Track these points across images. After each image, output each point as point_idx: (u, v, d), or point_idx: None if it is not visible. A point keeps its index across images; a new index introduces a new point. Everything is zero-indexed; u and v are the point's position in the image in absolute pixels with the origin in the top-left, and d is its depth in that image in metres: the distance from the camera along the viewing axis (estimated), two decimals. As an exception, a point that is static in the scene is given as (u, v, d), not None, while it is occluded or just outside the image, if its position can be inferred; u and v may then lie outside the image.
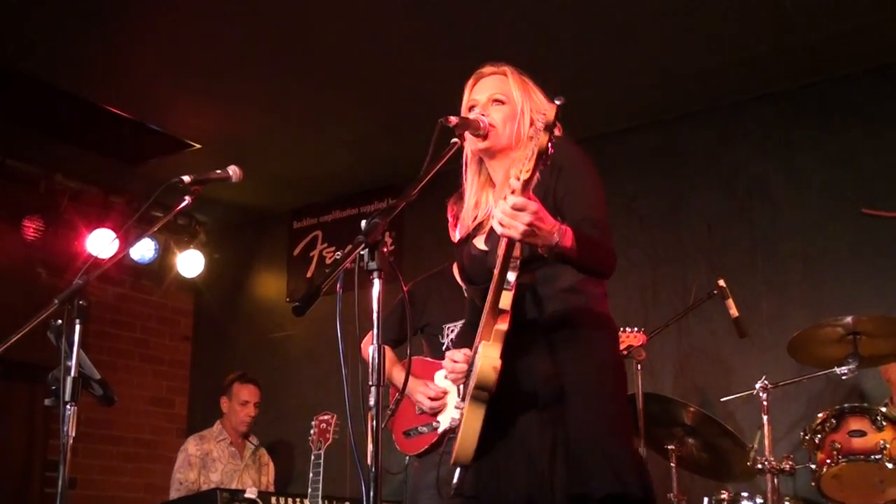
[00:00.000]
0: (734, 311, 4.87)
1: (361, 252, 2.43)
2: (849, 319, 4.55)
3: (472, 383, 2.73)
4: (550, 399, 2.79)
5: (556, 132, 2.46)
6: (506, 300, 2.71)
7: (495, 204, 2.97)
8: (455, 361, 3.04)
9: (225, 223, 8.50)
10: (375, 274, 2.45)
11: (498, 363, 2.65)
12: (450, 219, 4.64)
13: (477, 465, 2.83)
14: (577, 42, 5.57)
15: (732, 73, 5.91)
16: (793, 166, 5.98)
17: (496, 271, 2.68)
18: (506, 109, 3.03)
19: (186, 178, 3.45)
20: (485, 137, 2.98)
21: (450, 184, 4.53)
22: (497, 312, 2.71)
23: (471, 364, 2.94)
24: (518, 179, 2.47)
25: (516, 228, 2.47)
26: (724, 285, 4.90)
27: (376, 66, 5.87)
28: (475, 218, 3.12)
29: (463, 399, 2.94)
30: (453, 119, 2.89)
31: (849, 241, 5.67)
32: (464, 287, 4.56)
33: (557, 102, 2.45)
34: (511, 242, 2.58)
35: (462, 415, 2.82)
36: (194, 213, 8.07)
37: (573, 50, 5.63)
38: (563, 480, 2.71)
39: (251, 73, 5.97)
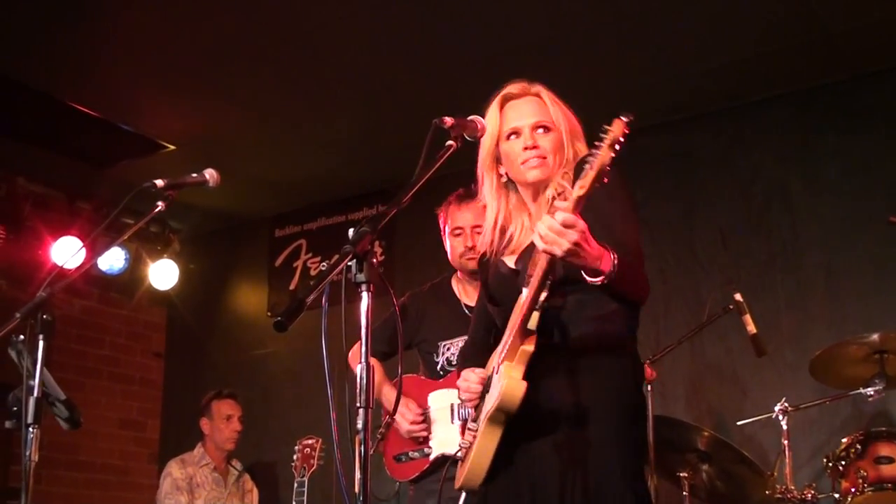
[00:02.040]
0: (751, 328, 4.87)
1: (349, 263, 2.43)
2: (875, 337, 4.56)
3: (492, 404, 2.76)
4: (567, 430, 2.83)
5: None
6: (534, 321, 2.75)
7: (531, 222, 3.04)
8: (468, 381, 3.07)
9: (201, 231, 8.49)
10: (364, 287, 2.44)
11: (524, 386, 2.70)
12: (441, 227, 4.65)
13: (484, 491, 2.85)
14: (581, 37, 5.58)
15: (749, 70, 5.92)
16: (814, 171, 5.99)
17: (530, 291, 2.72)
18: (553, 137, 3.05)
19: (159, 183, 3.45)
20: (534, 166, 3.02)
21: (445, 189, 4.56)
22: (525, 333, 2.75)
23: (487, 384, 2.97)
24: (558, 196, 2.51)
25: (560, 245, 2.52)
26: (741, 300, 4.90)
27: (365, 62, 5.88)
28: (509, 239, 3.15)
29: (475, 420, 2.96)
30: (448, 120, 2.90)
31: (875, 253, 5.68)
32: (462, 304, 4.60)
33: (625, 119, 2.50)
34: (552, 260, 2.62)
35: (475, 437, 2.84)
36: (168, 219, 8.06)
37: (576, 45, 5.64)
38: None
39: (230, 69, 5.97)
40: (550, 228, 2.52)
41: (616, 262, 2.62)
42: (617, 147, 2.47)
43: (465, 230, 4.52)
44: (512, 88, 3.16)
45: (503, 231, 3.15)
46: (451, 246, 4.59)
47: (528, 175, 3.03)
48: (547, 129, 3.06)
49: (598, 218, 2.84)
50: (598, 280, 2.63)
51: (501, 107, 3.15)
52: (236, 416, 6.77)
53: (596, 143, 2.48)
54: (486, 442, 2.77)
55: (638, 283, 2.83)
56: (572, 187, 2.91)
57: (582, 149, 3.10)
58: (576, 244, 2.52)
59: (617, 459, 2.81)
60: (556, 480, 2.79)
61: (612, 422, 2.84)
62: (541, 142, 3.04)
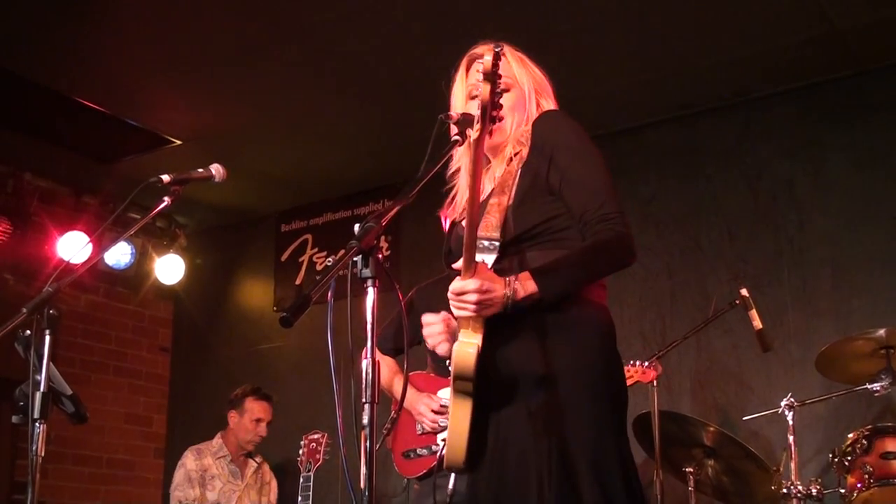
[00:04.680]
0: (758, 323, 4.86)
1: (354, 258, 2.43)
2: (881, 332, 4.55)
3: (451, 376, 2.72)
4: (539, 398, 2.74)
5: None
6: None
7: (486, 183, 3.01)
8: (431, 324, 3.17)
9: (207, 226, 8.50)
10: (369, 282, 2.44)
11: (474, 349, 2.66)
12: (445, 229, 4.63)
13: (473, 477, 2.82)
14: (587, 31, 5.57)
15: (756, 66, 5.91)
16: (821, 167, 5.97)
17: (464, 252, 2.68)
18: (513, 96, 3.00)
19: (166, 178, 3.45)
20: (490, 133, 2.96)
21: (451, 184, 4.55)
22: None
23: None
24: (514, 155, 2.68)
25: (467, 309, 2.66)
26: (747, 295, 4.90)
27: (372, 57, 5.88)
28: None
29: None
30: (455, 115, 2.89)
31: (881, 248, 5.67)
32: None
33: (496, 49, 2.52)
34: (472, 233, 2.66)
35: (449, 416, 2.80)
36: (174, 214, 8.07)
37: (582, 40, 5.64)
38: (556, 493, 2.67)
39: (236, 64, 5.96)
40: (451, 300, 2.68)
41: (533, 279, 2.69)
42: (494, 78, 2.52)
43: None
44: (478, 49, 3.11)
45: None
46: None
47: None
48: (507, 87, 2.97)
49: (564, 180, 2.84)
50: (525, 308, 2.70)
51: (467, 69, 3.11)
52: (266, 421, 6.64)
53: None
54: (458, 415, 2.72)
55: (601, 257, 2.79)
56: (528, 146, 2.88)
57: (546, 104, 3.06)
58: (478, 303, 2.64)
59: (588, 428, 2.71)
60: (531, 455, 2.70)
61: (579, 384, 2.73)
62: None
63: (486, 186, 3.00)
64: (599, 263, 2.79)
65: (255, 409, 6.64)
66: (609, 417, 2.79)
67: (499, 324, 2.73)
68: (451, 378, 2.72)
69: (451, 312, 4.55)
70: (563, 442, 2.69)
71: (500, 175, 2.91)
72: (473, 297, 2.62)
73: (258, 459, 6.76)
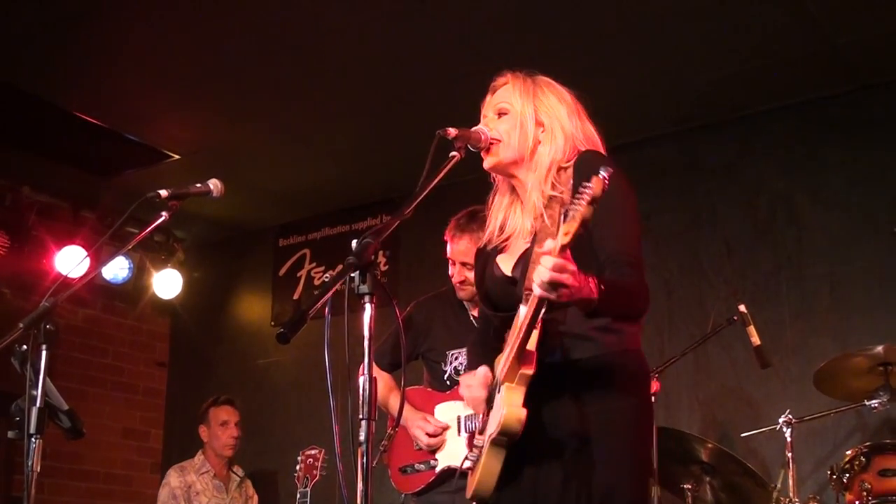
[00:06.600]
0: (756, 340, 4.86)
1: (352, 274, 2.43)
2: (879, 349, 4.55)
3: (494, 430, 2.72)
4: (572, 449, 2.78)
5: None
6: (533, 341, 2.69)
7: (522, 219, 2.99)
8: (470, 387, 3.06)
9: (205, 240, 8.50)
10: (367, 298, 2.44)
11: (523, 414, 2.65)
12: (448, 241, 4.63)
13: (496, 498, 2.84)
14: (584, 46, 5.58)
15: (755, 82, 5.92)
16: (820, 183, 5.98)
17: (523, 324, 2.63)
18: (510, 119, 3.01)
19: (164, 193, 3.45)
20: (487, 151, 2.98)
21: (449, 199, 4.56)
22: (524, 354, 2.69)
23: (491, 396, 2.94)
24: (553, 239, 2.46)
25: (558, 293, 2.44)
26: (746, 311, 4.90)
27: (369, 72, 5.89)
28: (502, 231, 3.08)
29: (481, 432, 2.93)
30: (452, 131, 2.89)
31: (880, 265, 5.67)
32: (470, 314, 4.58)
33: (604, 175, 2.40)
34: (542, 301, 2.53)
35: (480, 454, 2.83)
36: (172, 229, 8.06)
37: (580, 54, 5.64)
38: None
39: (235, 79, 5.98)
40: (550, 280, 2.42)
41: (597, 288, 2.53)
42: (596, 203, 2.41)
43: (456, 263, 4.49)
44: (497, 80, 3.15)
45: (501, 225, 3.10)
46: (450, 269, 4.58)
47: (486, 160, 3.01)
48: (505, 111, 3.02)
49: (599, 223, 2.79)
50: (582, 308, 2.57)
51: (489, 100, 3.14)
52: (233, 422, 6.74)
53: (577, 195, 2.41)
54: (491, 461, 2.74)
55: (631, 300, 2.79)
56: (569, 189, 2.84)
57: (559, 129, 3.04)
58: (568, 287, 2.42)
59: (620, 481, 2.77)
60: (559, 496, 2.76)
61: (618, 443, 2.79)
62: (498, 125, 3.01)
63: (524, 220, 3.01)
64: (628, 305, 2.81)
65: (219, 414, 6.76)
66: (646, 473, 2.96)
67: (543, 379, 2.72)
68: (494, 432, 2.72)
69: (451, 324, 4.60)
70: (600, 486, 2.74)
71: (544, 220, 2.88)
72: (570, 280, 2.42)
73: (240, 473, 6.82)
